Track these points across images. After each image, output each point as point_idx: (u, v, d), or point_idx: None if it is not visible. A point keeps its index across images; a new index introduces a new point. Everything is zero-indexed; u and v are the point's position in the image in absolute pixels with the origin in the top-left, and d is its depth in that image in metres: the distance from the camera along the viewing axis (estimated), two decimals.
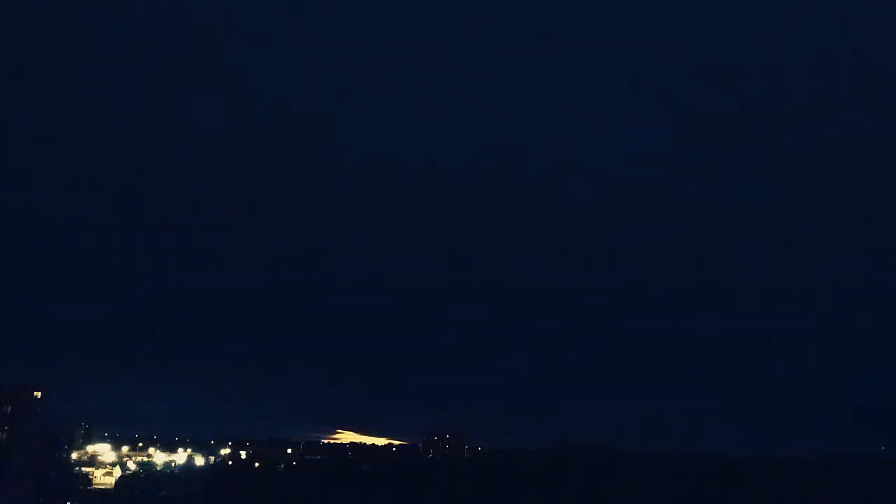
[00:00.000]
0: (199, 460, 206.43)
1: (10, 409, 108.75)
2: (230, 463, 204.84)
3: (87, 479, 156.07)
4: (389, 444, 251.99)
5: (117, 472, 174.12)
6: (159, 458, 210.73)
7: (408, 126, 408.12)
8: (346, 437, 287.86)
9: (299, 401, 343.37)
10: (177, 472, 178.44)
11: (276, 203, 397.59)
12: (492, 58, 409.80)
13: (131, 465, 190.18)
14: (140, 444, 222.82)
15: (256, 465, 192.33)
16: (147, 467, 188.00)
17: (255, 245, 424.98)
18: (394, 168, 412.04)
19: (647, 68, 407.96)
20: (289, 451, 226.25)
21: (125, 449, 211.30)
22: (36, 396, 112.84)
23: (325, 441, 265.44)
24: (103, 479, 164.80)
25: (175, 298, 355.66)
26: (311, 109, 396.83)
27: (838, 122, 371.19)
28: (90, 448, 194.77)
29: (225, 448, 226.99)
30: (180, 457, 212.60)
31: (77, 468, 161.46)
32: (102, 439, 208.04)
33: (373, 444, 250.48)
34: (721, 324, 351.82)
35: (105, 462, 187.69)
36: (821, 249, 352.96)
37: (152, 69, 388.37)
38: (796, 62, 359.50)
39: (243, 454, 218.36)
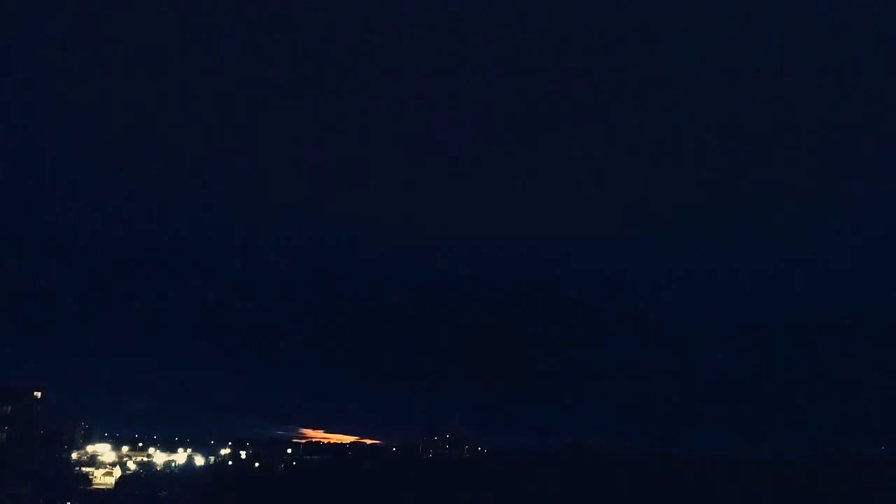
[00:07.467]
0: (199, 460, 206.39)
1: (10, 409, 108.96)
2: (230, 463, 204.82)
3: (87, 479, 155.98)
4: (389, 444, 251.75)
5: (117, 472, 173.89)
6: (159, 458, 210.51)
7: None
8: (314, 434, 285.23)
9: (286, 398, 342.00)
10: (177, 472, 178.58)
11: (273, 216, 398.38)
12: None
13: (131, 465, 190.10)
14: (140, 444, 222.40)
15: (256, 465, 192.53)
16: (147, 467, 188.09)
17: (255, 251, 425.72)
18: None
19: None
20: (289, 451, 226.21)
21: (125, 449, 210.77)
22: (36, 396, 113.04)
23: (326, 441, 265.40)
24: (103, 479, 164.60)
25: (175, 300, 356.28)
26: None
27: None
28: (90, 448, 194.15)
29: (225, 448, 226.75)
30: (180, 457, 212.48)
31: (77, 468, 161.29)
32: (102, 439, 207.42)
33: (373, 445, 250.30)
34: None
35: (105, 462, 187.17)
36: None
37: None
38: None
39: (243, 454, 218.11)
